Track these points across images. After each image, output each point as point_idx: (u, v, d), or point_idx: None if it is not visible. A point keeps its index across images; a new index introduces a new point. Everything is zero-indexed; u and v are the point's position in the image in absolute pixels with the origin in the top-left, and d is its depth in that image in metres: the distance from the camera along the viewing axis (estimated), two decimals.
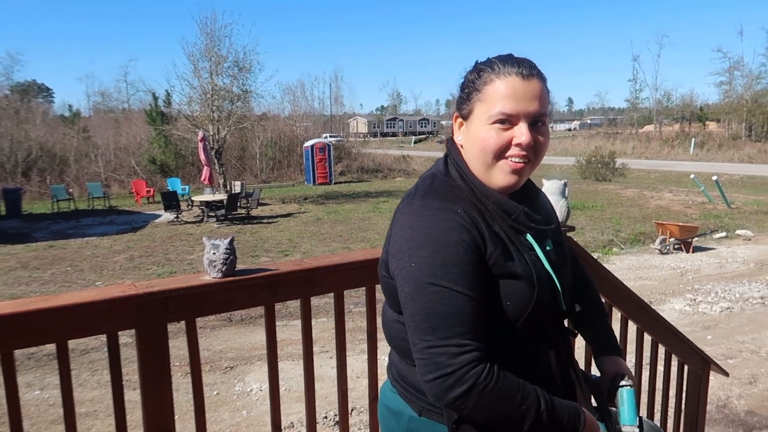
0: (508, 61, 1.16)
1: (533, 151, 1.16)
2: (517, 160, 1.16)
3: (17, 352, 1.40)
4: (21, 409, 1.40)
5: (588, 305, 1.45)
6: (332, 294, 1.83)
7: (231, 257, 1.59)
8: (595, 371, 1.45)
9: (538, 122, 1.16)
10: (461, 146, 1.24)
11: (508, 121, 1.14)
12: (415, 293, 1.08)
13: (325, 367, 5.09)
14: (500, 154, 1.16)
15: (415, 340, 1.08)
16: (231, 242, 1.60)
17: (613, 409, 1.29)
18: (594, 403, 1.30)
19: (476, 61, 1.23)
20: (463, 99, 1.21)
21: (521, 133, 1.14)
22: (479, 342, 1.06)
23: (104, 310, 1.43)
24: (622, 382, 1.29)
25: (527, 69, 1.15)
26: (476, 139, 1.18)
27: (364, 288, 1.89)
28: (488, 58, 1.20)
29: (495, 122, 1.15)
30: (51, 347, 1.42)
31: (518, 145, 1.15)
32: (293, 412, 4.43)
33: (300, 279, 1.72)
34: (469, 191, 1.18)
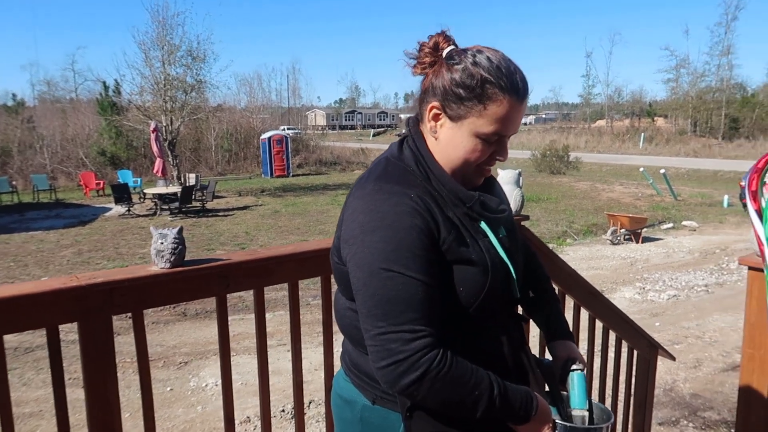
0: (514, 78, 1.12)
1: None
2: (489, 169, 1.21)
3: None
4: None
5: (540, 292, 1.46)
6: (287, 285, 1.79)
7: (180, 247, 1.54)
8: (548, 356, 1.46)
9: None
10: (434, 137, 1.18)
11: (495, 140, 1.15)
12: (368, 279, 1.06)
13: (283, 360, 5.03)
14: (479, 164, 1.17)
15: (368, 327, 1.06)
16: (180, 231, 1.55)
17: (565, 393, 1.30)
18: (546, 387, 1.30)
19: (469, 55, 1.12)
20: (456, 99, 1.12)
21: (505, 150, 1.18)
22: (432, 328, 1.04)
23: (44, 302, 1.36)
24: (573, 366, 1.30)
25: (525, 90, 1.14)
26: (459, 146, 1.15)
27: (320, 278, 1.86)
28: (491, 65, 1.10)
29: (483, 138, 1.14)
30: None
31: (498, 159, 1.18)
32: (250, 406, 4.37)
33: (253, 269, 1.68)
34: (424, 177, 1.16)
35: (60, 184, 21.65)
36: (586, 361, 1.43)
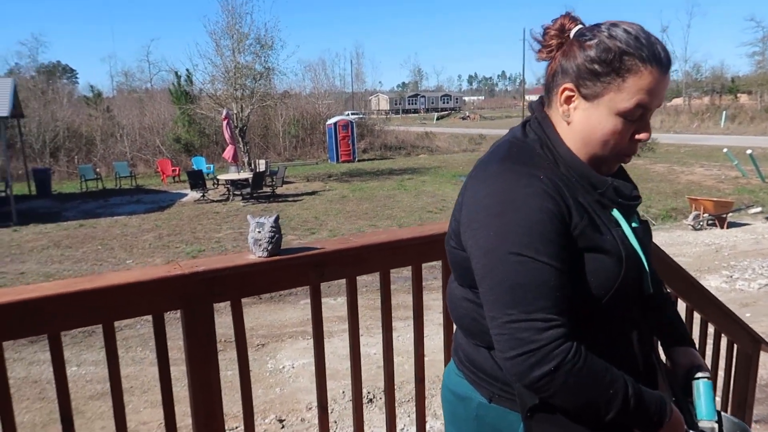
0: (655, 49, 1.04)
1: None
2: (630, 155, 1.11)
3: None
4: (69, 388, 1.37)
5: (656, 294, 1.35)
6: (377, 273, 1.77)
7: (276, 236, 1.54)
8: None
9: None
10: (566, 121, 1.11)
11: (638, 115, 1.06)
12: (496, 264, 0.99)
13: (365, 345, 5.08)
14: (618, 147, 1.08)
15: (495, 314, 0.99)
16: (276, 220, 1.55)
17: (689, 402, 1.21)
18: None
19: (603, 29, 1.06)
20: (592, 76, 1.05)
21: (647, 129, 1.07)
22: (565, 318, 0.97)
23: (150, 290, 1.39)
24: (699, 374, 1.21)
25: (668, 60, 1.05)
26: (597, 127, 1.07)
27: (411, 267, 1.83)
28: (629, 36, 1.04)
29: (624, 114, 1.05)
30: None
31: (639, 140, 1.08)
32: (330, 389, 4.43)
33: (346, 258, 1.66)
34: (552, 160, 1.09)
35: (139, 171, 22.69)
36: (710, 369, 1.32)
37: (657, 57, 1.03)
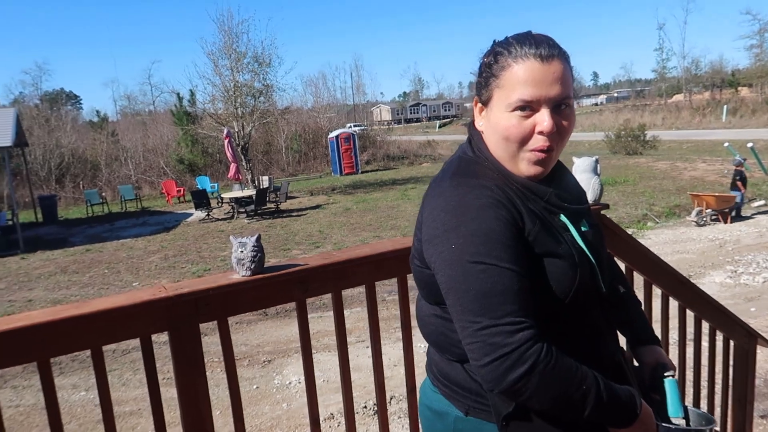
0: (526, 42, 1.08)
1: (557, 137, 1.10)
2: (540, 150, 1.10)
3: (62, 356, 1.41)
4: (60, 414, 1.40)
5: (618, 293, 1.38)
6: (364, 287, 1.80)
7: (259, 254, 1.57)
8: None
9: (561, 105, 1.09)
10: (483, 132, 1.18)
11: (528, 107, 1.08)
12: (460, 275, 1.02)
13: (362, 356, 5.10)
14: (523, 142, 1.10)
15: (465, 324, 1.01)
16: (258, 239, 1.58)
17: (657, 399, 1.24)
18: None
19: (493, 41, 1.16)
20: (482, 84, 1.15)
21: (543, 120, 1.08)
22: (532, 320, 1.00)
23: (135, 314, 1.43)
24: (666, 373, 1.24)
25: (546, 49, 1.08)
26: (497, 127, 1.12)
27: (396, 279, 1.86)
28: (506, 38, 1.12)
29: (515, 109, 1.08)
30: None
31: (540, 133, 1.08)
32: (332, 402, 4.45)
33: (330, 273, 1.69)
34: (497, 172, 1.14)
35: (144, 193, 22.86)
36: (674, 357, 1.35)
37: (527, 49, 1.08)
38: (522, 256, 1.03)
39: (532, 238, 1.06)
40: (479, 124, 1.19)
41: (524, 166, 1.12)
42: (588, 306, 1.14)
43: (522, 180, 1.12)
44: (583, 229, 1.17)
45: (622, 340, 1.33)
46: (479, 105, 1.18)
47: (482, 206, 1.04)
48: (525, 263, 1.03)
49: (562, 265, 1.07)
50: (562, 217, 1.13)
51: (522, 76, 1.07)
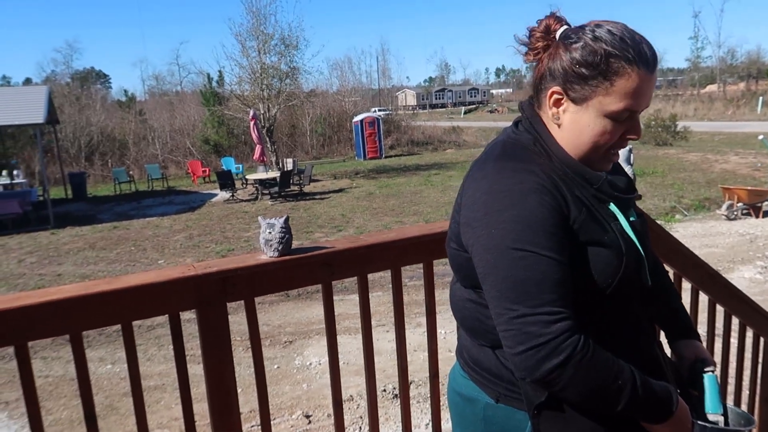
0: (641, 49, 1.03)
1: None
2: (617, 150, 1.12)
3: (90, 330, 1.43)
4: (91, 386, 1.43)
5: (659, 286, 1.35)
6: (388, 270, 1.80)
7: (287, 236, 1.58)
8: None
9: None
10: (557, 124, 1.12)
11: (627, 116, 1.06)
12: (498, 260, 1.00)
13: (382, 341, 5.12)
14: (612, 147, 1.10)
15: (501, 311, 1.00)
16: (286, 221, 1.59)
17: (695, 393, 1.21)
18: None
19: (587, 31, 1.05)
20: (579, 80, 1.05)
21: (637, 128, 1.08)
22: (570, 310, 0.98)
23: (165, 291, 1.45)
24: (705, 368, 1.21)
25: (654, 59, 1.05)
26: (587, 130, 1.08)
27: (421, 264, 1.85)
28: (613, 37, 1.03)
29: (612, 116, 1.05)
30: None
31: (631, 138, 1.09)
32: (352, 385, 4.49)
33: (356, 256, 1.70)
34: (546, 157, 1.10)
35: (170, 173, 23.14)
36: (715, 361, 1.32)
37: (643, 57, 1.03)
38: (564, 245, 1.01)
39: (577, 225, 1.03)
40: (551, 116, 1.12)
41: (601, 164, 1.12)
42: (630, 297, 1.12)
43: (576, 166, 1.09)
44: (631, 219, 1.14)
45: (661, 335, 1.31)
46: (560, 97, 1.09)
47: (526, 191, 1.01)
48: (567, 252, 1.01)
49: (608, 255, 1.05)
50: (612, 206, 1.11)
51: (636, 86, 1.03)
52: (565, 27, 1.11)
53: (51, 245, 11.05)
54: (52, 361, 5.58)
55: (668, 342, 1.34)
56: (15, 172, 17.38)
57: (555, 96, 1.10)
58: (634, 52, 1.03)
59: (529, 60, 1.14)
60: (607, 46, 1.03)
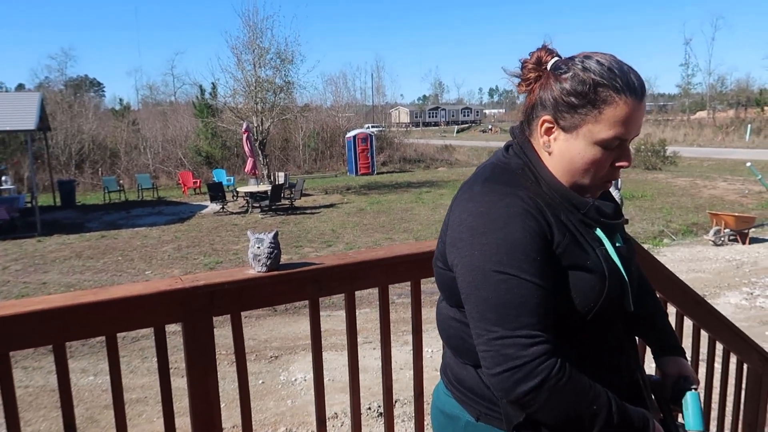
0: (629, 78, 1.06)
1: None
2: (610, 180, 1.14)
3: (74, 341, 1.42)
4: (73, 398, 1.42)
5: (646, 303, 1.37)
6: (376, 288, 1.80)
7: (275, 251, 1.58)
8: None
9: None
10: (548, 152, 1.14)
11: (617, 144, 1.09)
12: (480, 282, 1.02)
13: (368, 358, 5.09)
14: (604, 176, 1.12)
15: (480, 332, 1.02)
16: (275, 236, 1.59)
17: (677, 413, 1.22)
18: (658, 410, 1.23)
19: (577, 62, 1.08)
20: (569, 108, 1.08)
21: (628, 155, 1.11)
22: (549, 334, 0.99)
23: (151, 303, 1.44)
24: (688, 386, 1.22)
25: (642, 88, 1.07)
26: (577, 157, 1.10)
27: (408, 282, 1.85)
28: (602, 68, 1.06)
29: (602, 144, 1.08)
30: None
31: (621, 166, 1.11)
32: (336, 402, 4.45)
33: (345, 273, 1.70)
34: (534, 181, 1.12)
35: (161, 183, 23.04)
36: (699, 379, 1.33)
37: (631, 86, 1.06)
38: (546, 270, 1.02)
39: (560, 250, 1.05)
40: (542, 144, 1.14)
41: (592, 192, 1.15)
42: (613, 321, 1.14)
43: (565, 191, 1.11)
44: (617, 244, 1.16)
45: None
46: (551, 126, 1.12)
47: (511, 215, 1.03)
48: (549, 277, 1.03)
49: (591, 279, 1.06)
50: (598, 231, 1.12)
51: (624, 115, 1.05)
52: (556, 58, 1.13)
53: (37, 253, 10.94)
54: (33, 371, 5.49)
55: (654, 358, 1.36)
56: (3, 178, 17.27)
57: (546, 124, 1.12)
58: (621, 82, 1.05)
59: (522, 91, 1.17)
60: (595, 76, 1.06)
